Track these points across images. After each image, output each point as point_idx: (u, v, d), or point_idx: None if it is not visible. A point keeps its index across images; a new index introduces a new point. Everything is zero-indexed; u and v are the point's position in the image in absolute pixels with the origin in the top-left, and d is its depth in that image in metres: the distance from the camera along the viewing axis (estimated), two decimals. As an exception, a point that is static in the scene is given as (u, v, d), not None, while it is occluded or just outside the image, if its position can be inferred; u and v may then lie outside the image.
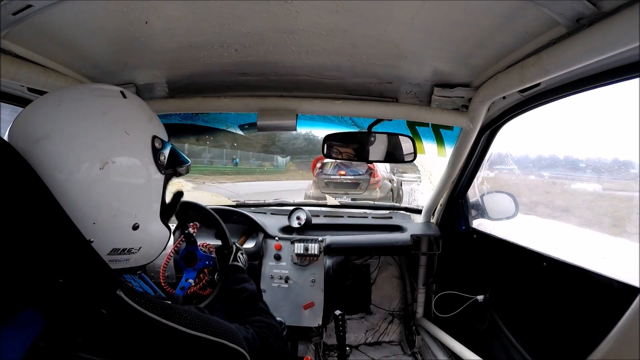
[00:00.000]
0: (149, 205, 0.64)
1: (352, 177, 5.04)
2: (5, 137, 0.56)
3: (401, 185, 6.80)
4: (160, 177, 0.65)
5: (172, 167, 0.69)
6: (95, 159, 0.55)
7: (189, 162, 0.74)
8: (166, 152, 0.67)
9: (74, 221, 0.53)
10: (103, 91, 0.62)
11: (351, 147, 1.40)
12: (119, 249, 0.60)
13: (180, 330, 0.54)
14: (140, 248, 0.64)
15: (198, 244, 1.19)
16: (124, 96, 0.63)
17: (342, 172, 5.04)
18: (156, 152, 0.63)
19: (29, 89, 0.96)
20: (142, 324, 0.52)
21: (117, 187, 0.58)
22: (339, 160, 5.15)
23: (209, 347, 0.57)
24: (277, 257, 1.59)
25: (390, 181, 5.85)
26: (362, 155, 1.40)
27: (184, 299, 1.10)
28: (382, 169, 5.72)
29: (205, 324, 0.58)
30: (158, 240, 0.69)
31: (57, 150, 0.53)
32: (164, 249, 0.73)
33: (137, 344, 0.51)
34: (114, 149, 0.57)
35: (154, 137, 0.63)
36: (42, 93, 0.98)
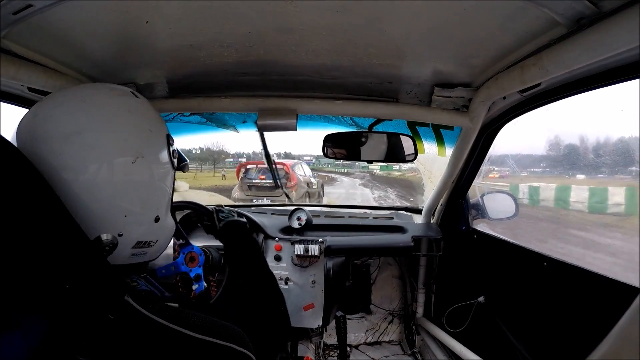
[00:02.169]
0: (166, 199, 0.67)
1: (271, 180, 5.45)
2: (13, 136, 0.56)
3: (322, 187, 7.56)
4: (173, 173, 0.69)
5: (179, 163, 0.73)
6: (128, 154, 0.57)
7: (187, 160, 0.77)
8: (176, 149, 0.70)
9: (107, 215, 0.55)
10: (119, 90, 0.64)
11: (351, 147, 1.40)
12: (142, 242, 0.63)
13: (188, 335, 0.54)
14: (157, 241, 0.66)
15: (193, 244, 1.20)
16: (136, 96, 0.65)
17: (263, 177, 5.68)
18: (170, 149, 0.67)
19: (29, 89, 0.96)
20: (150, 329, 0.52)
21: (146, 180, 0.60)
22: (259, 166, 5.91)
23: (217, 351, 0.58)
24: (277, 258, 1.58)
25: (308, 184, 6.48)
26: (362, 155, 1.40)
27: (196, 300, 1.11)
28: (301, 173, 6.39)
29: (212, 328, 0.58)
30: (169, 233, 0.72)
31: (91, 145, 0.54)
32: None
33: (145, 349, 0.51)
34: (142, 145, 0.60)
35: (168, 135, 0.67)
36: (42, 93, 0.98)
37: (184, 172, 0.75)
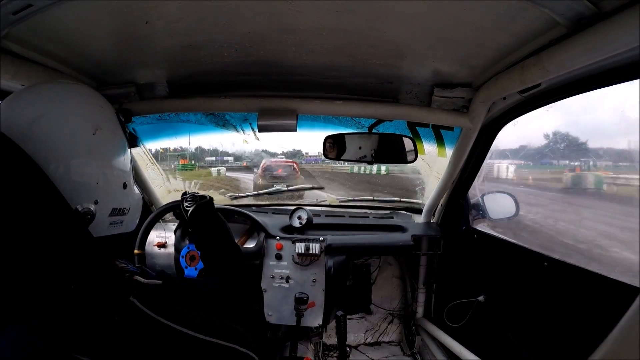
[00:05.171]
0: (128, 167, 0.74)
1: (286, 173, 8.26)
2: None
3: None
4: (128, 145, 0.76)
5: (131, 139, 0.79)
6: (87, 127, 0.64)
7: (137, 137, 0.86)
8: (127, 125, 0.78)
9: (82, 184, 0.60)
10: (62, 82, 0.72)
11: (351, 148, 1.40)
12: (117, 209, 0.69)
13: (192, 336, 0.55)
14: (129, 209, 0.73)
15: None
16: (76, 84, 0.73)
17: (280, 170, 8.37)
18: (122, 123, 0.75)
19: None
20: (154, 329, 0.52)
21: (108, 149, 0.68)
22: (277, 164, 8.40)
23: (221, 352, 0.58)
24: (278, 257, 1.59)
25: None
26: (362, 156, 1.40)
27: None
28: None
29: (216, 329, 0.59)
30: (138, 202, 0.78)
31: (55, 125, 0.60)
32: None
33: (149, 350, 0.52)
34: (99, 119, 0.67)
35: (117, 112, 0.74)
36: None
37: (136, 146, 0.84)
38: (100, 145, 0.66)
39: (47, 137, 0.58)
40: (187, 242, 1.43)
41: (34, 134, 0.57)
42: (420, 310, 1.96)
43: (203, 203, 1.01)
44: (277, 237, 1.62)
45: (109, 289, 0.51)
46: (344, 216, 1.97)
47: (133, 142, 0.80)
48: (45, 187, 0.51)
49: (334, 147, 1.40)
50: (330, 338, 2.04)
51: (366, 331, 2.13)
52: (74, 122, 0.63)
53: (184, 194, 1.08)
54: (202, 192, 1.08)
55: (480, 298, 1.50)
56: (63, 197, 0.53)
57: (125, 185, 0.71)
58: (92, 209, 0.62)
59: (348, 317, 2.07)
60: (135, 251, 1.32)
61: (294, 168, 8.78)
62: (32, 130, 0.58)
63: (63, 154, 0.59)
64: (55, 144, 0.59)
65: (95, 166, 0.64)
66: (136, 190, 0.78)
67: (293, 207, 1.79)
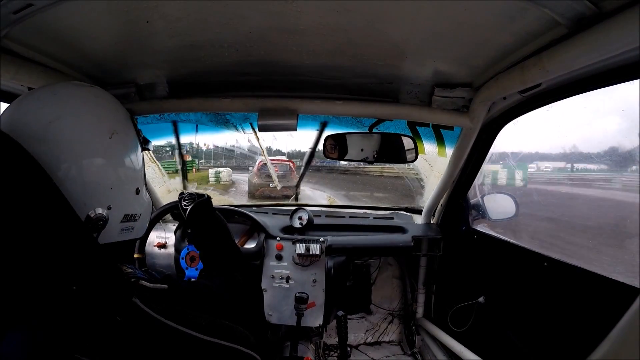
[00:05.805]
0: (141, 171, 0.73)
1: (282, 172, 8.05)
2: None
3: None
4: (141, 149, 0.74)
5: (145, 142, 0.77)
6: (104, 130, 0.63)
7: (151, 141, 0.82)
8: (140, 129, 0.76)
9: (96, 189, 0.59)
10: (80, 83, 0.70)
11: (352, 147, 1.40)
12: (129, 215, 0.67)
13: (195, 337, 0.55)
14: (140, 215, 0.71)
15: None
16: (93, 86, 0.71)
17: (276, 169, 8.00)
18: (136, 127, 0.73)
19: (30, 89, 0.96)
20: (157, 330, 0.52)
21: (123, 153, 0.66)
22: (274, 163, 7.94)
23: (224, 353, 0.58)
24: (279, 257, 1.59)
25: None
26: (363, 155, 1.40)
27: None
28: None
29: (219, 329, 0.59)
30: (148, 207, 0.77)
31: (71, 127, 0.59)
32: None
33: (152, 350, 0.52)
34: (115, 122, 0.65)
35: (132, 117, 0.72)
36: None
37: (148, 150, 0.81)
38: (116, 150, 0.64)
39: (62, 140, 0.57)
40: (187, 242, 1.43)
41: (49, 136, 0.56)
42: (420, 311, 1.96)
43: (201, 201, 1.01)
44: (278, 238, 1.62)
45: (113, 292, 0.51)
46: (344, 217, 1.97)
47: (146, 145, 0.78)
48: (49, 190, 0.50)
49: (336, 147, 1.40)
50: (330, 338, 2.04)
51: (366, 331, 2.13)
52: (91, 126, 0.62)
53: (182, 193, 1.08)
54: (199, 191, 1.08)
55: (481, 299, 1.50)
56: (66, 200, 0.52)
57: (137, 191, 0.70)
58: (104, 214, 0.60)
59: (348, 317, 2.07)
60: (135, 255, 1.32)
61: (290, 167, 8.54)
62: (47, 132, 0.56)
63: (78, 157, 0.58)
64: (70, 147, 0.58)
65: (110, 171, 0.63)
66: (147, 195, 0.77)
67: (294, 208, 1.79)
